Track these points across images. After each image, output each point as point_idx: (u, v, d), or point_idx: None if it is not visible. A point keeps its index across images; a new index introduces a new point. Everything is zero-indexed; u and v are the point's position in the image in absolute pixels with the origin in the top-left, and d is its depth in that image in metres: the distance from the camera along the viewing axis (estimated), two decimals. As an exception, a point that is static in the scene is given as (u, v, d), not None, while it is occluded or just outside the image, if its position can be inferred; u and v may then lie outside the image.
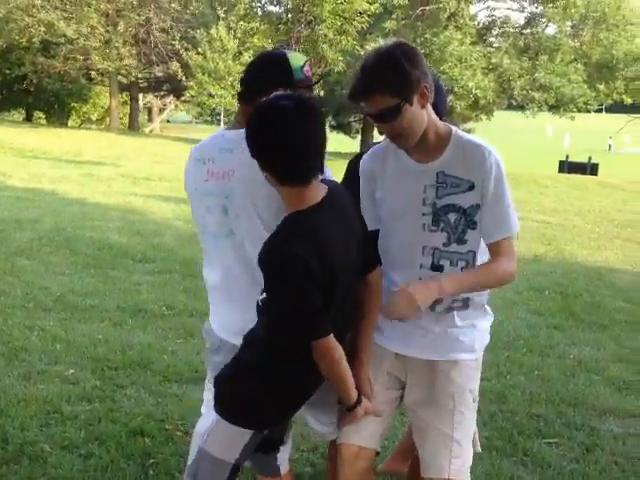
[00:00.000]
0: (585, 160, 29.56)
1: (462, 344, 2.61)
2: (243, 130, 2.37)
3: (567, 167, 28.87)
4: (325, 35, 12.50)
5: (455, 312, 2.59)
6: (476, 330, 2.65)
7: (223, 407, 2.44)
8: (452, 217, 2.51)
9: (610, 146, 51.40)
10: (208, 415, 2.53)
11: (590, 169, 28.46)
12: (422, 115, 2.44)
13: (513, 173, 25.07)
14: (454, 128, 2.58)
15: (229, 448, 2.45)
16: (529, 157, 36.87)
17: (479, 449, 2.89)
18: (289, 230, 2.26)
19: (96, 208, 11.66)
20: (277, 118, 2.25)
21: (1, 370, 4.69)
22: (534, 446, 4.08)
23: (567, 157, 30.53)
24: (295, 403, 2.48)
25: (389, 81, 2.35)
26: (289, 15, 25.97)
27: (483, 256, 2.56)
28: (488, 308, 2.73)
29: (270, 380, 2.39)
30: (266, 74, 2.61)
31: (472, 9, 31.63)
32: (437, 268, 2.53)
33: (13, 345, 5.14)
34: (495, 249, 2.52)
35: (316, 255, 2.19)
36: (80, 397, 4.35)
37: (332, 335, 2.27)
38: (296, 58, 2.63)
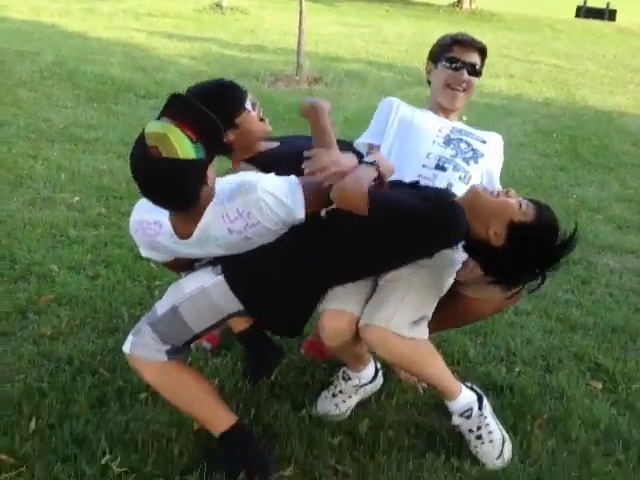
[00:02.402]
0: (603, 6, 28.47)
1: None
2: None
3: (584, 12, 27.86)
4: None
5: None
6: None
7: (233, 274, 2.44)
8: (462, 145, 2.92)
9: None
10: (199, 275, 2.51)
11: (608, 15, 27.47)
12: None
13: (528, 17, 24.32)
14: None
15: (201, 319, 2.46)
16: (547, 0, 35.53)
17: None
18: None
19: (98, 42, 11.37)
20: None
21: (6, 196, 4.74)
22: (531, 277, 4.16)
23: (585, 2, 29.41)
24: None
25: (486, 55, 3.08)
26: None
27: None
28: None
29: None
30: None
31: None
32: (440, 168, 2.80)
33: (18, 173, 5.16)
34: None
35: None
36: (86, 223, 4.42)
37: None
38: None
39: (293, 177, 2.38)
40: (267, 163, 2.69)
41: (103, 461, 2.46)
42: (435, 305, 2.59)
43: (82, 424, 2.63)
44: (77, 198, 4.82)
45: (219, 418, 2.52)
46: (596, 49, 16.95)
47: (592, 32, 21.29)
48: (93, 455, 2.49)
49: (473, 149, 2.93)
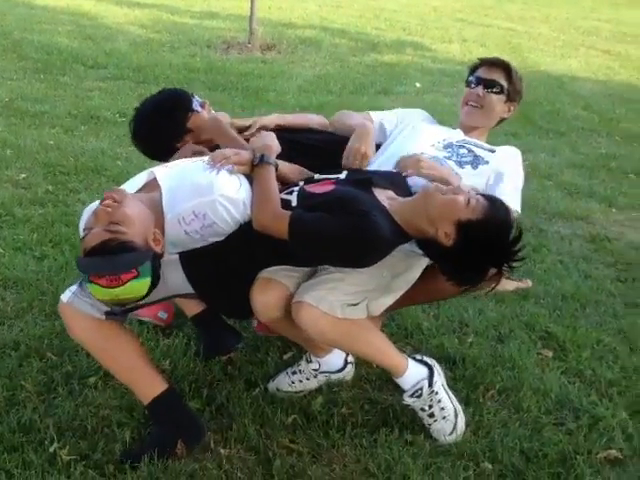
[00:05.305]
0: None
1: None
2: None
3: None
4: None
5: None
6: None
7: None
8: (462, 150, 2.87)
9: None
10: None
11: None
12: (499, 113, 3.05)
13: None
14: None
15: None
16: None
17: None
18: None
19: (44, 11, 11.06)
20: None
21: (-52, 174, 4.60)
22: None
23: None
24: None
25: (514, 75, 3.05)
26: None
27: None
28: None
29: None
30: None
31: None
32: None
33: (-39, 150, 5.02)
34: None
35: None
36: (32, 201, 4.32)
37: None
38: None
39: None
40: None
41: (51, 449, 2.41)
42: (392, 295, 2.54)
43: (29, 411, 2.58)
44: (23, 175, 4.70)
45: (149, 384, 2.47)
46: (548, 11, 16.98)
47: (545, -7, 21.32)
48: (41, 443, 2.44)
49: (475, 155, 2.87)
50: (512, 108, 3.09)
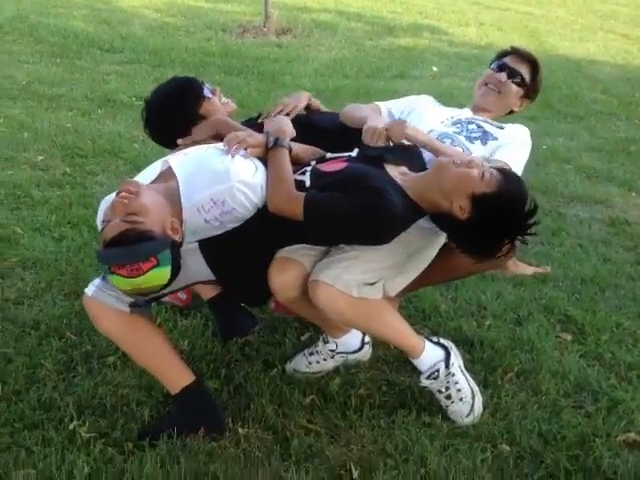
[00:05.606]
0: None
1: None
2: None
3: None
4: None
5: None
6: None
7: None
8: (471, 126, 2.91)
9: None
10: None
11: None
12: (512, 105, 3.10)
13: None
14: None
15: None
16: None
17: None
18: None
19: (59, -6, 11.07)
20: None
21: (-34, 155, 4.63)
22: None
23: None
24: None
25: (539, 74, 3.10)
26: None
27: None
28: None
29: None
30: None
31: None
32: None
33: (-22, 132, 5.04)
34: None
35: None
36: (50, 183, 4.34)
37: None
38: None
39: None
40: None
41: (71, 427, 2.43)
42: (408, 275, 2.53)
43: (49, 389, 2.60)
44: (41, 157, 4.72)
45: (178, 375, 2.48)
46: (566, -5, 16.81)
47: (562, -23, 21.10)
48: (61, 421, 2.46)
49: (484, 131, 2.90)
50: (524, 105, 3.15)
